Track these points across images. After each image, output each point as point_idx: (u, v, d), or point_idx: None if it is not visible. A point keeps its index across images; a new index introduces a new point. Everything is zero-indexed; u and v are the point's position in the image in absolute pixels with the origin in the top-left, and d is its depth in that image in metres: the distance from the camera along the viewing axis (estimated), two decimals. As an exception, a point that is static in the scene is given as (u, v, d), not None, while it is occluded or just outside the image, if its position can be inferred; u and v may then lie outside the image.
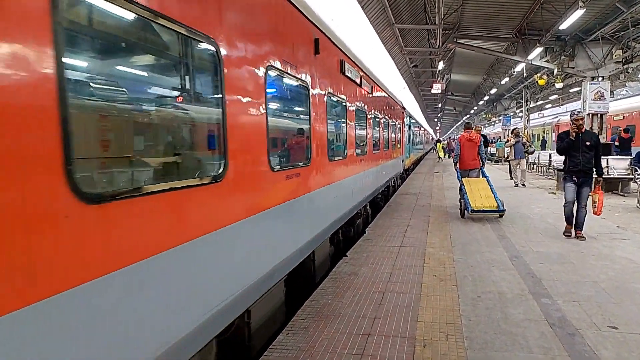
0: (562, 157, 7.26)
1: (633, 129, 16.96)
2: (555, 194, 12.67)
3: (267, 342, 3.87)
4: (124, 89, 2.58)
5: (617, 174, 12.44)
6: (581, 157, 6.78)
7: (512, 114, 37.07)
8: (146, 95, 2.85)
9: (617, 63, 16.07)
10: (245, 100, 3.33)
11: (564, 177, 7.25)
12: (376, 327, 3.85)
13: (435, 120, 72.21)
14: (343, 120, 6.85)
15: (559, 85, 20.97)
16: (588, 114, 16.49)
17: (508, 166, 17.29)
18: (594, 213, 6.83)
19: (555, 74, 18.39)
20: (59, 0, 1.72)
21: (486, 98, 36.26)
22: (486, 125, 48.28)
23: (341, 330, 3.80)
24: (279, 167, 4.03)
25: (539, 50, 17.15)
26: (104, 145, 2.33)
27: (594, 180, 6.92)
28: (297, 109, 5.01)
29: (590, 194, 6.90)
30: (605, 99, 16.04)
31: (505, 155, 18.77)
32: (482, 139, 12.24)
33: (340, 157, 6.67)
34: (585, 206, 6.88)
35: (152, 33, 2.49)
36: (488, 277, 5.14)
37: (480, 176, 9.76)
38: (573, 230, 7.06)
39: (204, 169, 3.00)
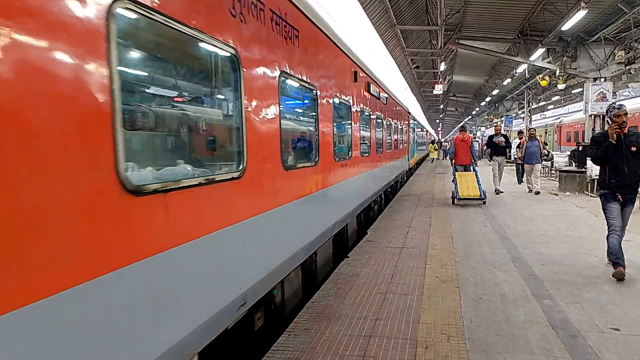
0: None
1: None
2: (557, 195, 12.65)
3: (326, 275, 5.76)
4: (289, 124, 4.85)
5: None
6: (627, 167, 5.13)
7: (514, 115, 37.00)
8: (299, 123, 5.38)
9: (620, 64, 16.02)
10: (325, 119, 5.48)
11: (602, 195, 5.41)
12: (378, 328, 3.85)
13: (437, 121, 72.08)
14: (368, 126, 9.05)
15: (561, 86, 20.94)
16: (590, 115, 16.45)
17: (514, 168, 16.97)
18: None
19: (557, 75, 18.35)
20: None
21: (488, 99, 36.18)
22: (487, 126, 48.10)
23: (343, 331, 3.81)
24: (337, 159, 6.13)
25: (541, 51, 17.10)
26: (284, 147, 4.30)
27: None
28: (346, 120, 7.03)
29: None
30: (607, 100, 15.96)
31: (509, 156, 17.97)
32: (504, 140, 13.27)
33: (367, 155, 8.83)
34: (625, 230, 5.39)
35: (298, 87, 4.79)
36: (490, 279, 5.14)
37: (471, 170, 11.55)
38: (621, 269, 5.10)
39: (315, 157, 5.12)
